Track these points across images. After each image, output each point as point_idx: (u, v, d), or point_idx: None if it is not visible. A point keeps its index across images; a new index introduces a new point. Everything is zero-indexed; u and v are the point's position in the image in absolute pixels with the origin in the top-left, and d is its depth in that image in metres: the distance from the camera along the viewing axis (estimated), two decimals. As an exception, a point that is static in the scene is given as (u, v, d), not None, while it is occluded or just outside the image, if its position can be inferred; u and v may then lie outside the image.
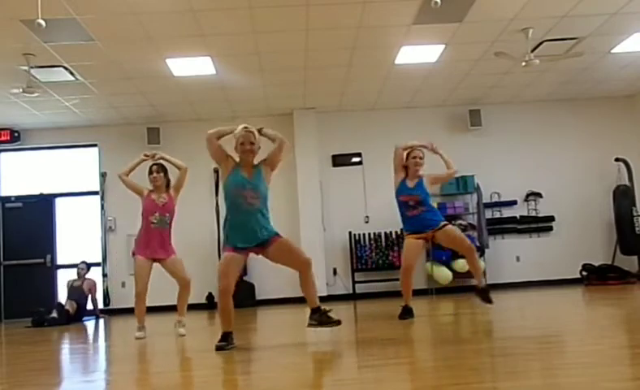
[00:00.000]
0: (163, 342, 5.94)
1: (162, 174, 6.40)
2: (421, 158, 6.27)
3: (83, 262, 9.80)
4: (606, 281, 9.70)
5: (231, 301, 4.80)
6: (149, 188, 6.45)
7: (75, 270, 9.76)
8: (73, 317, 9.08)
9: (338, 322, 4.87)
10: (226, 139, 5.06)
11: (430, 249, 10.35)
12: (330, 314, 4.86)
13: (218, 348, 4.71)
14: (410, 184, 6.22)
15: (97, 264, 10.47)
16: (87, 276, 9.73)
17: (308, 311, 4.97)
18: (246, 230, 4.90)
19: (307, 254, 5.06)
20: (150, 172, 6.42)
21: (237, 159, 5.08)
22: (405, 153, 6.31)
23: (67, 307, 9.12)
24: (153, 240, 6.21)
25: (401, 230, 10.28)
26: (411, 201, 6.17)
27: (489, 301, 6.33)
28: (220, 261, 4.98)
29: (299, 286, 5.02)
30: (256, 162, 5.11)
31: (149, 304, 6.32)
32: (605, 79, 9.90)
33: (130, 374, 4.30)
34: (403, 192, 6.22)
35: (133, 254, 6.31)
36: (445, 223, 6.27)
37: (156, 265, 6.26)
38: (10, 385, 3.92)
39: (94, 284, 9.77)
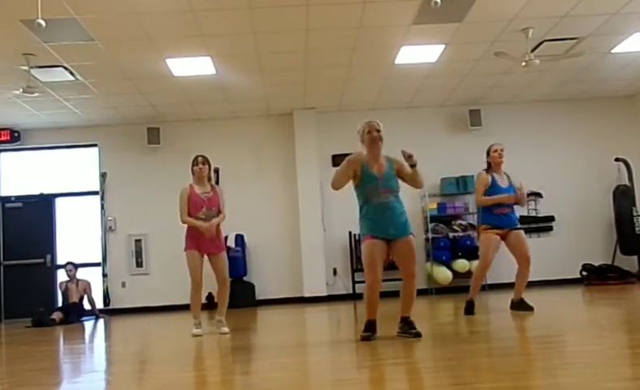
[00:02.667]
0: (163, 342, 5.94)
1: (206, 166, 6.22)
2: (502, 150, 6.29)
3: (69, 263, 9.77)
4: (606, 281, 9.70)
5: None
6: (190, 183, 6.25)
7: (75, 269, 9.77)
8: (66, 320, 9.08)
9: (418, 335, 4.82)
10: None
11: (430, 249, 10.39)
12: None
13: (364, 338, 4.75)
14: (501, 182, 6.23)
15: (97, 264, 10.48)
16: (78, 277, 9.73)
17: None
18: (381, 222, 4.83)
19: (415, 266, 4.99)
20: (195, 163, 6.20)
21: (364, 157, 4.93)
22: (487, 151, 6.33)
23: (54, 316, 9.07)
24: (204, 235, 6.06)
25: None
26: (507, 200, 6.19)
27: (529, 308, 6.20)
28: (363, 253, 4.89)
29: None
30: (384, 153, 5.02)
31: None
32: (605, 79, 9.90)
33: (130, 374, 4.30)
34: (498, 192, 6.18)
35: (185, 250, 6.16)
36: (520, 226, 6.34)
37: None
38: (10, 385, 3.92)
39: (89, 284, 9.78)
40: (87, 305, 9.69)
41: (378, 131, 5.00)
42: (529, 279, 6.28)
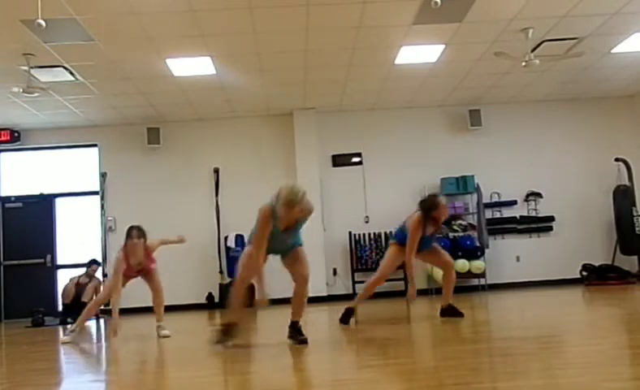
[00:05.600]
0: (163, 342, 5.93)
1: (142, 240, 6.12)
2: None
3: (95, 262, 9.77)
4: (606, 281, 9.70)
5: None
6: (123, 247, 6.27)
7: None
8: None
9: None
10: None
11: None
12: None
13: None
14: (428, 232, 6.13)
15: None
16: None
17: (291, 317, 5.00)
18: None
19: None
20: (130, 236, 6.12)
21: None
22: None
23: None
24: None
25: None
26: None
27: (459, 314, 6.20)
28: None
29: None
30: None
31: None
32: (605, 79, 9.90)
33: (130, 374, 4.30)
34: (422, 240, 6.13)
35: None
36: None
37: None
38: (10, 385, 3.91)
39: (99, 283, 9.79)
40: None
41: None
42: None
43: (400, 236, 6.14)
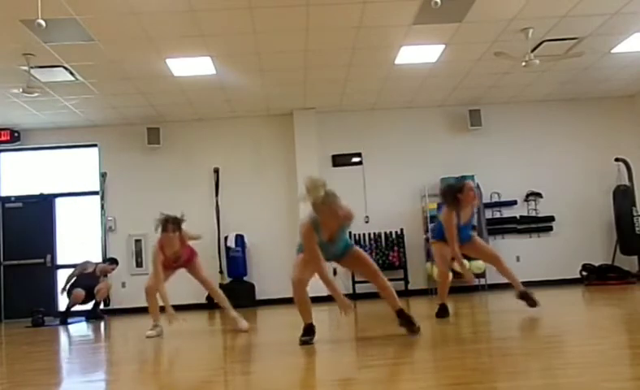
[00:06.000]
0: (163, 342, 5.93)
1: (177, 233, 6.18)
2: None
3: (115, 262, 9.83)
4: (606, 281, 9.70)
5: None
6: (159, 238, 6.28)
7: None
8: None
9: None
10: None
11: (430, 249, 10.38)
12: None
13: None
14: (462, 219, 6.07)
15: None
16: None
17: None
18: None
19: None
20: (165, 229, 6.13)
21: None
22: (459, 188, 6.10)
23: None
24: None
25: (401, 230, 10.40)
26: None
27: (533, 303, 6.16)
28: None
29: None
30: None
31: (147, 304, 6.35)
32: (605, 79, 9.90)
33: (130, 374, 4.30)
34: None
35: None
36: (472, 234, 6.31)
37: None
38: (10, 385, 3.91)
39: (110, 286, 9.81)
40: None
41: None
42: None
43: (439, 232, 6.14)
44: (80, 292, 9.25)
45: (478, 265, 10.02)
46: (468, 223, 6.15)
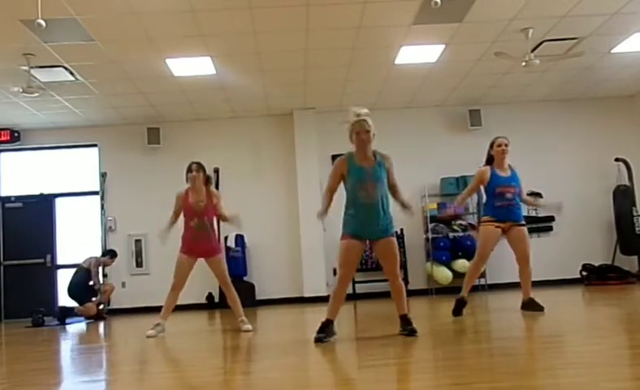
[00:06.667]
0: (163, 342, 5.93)
1: (201, 173, 6.12)
2: (506, 145, 6.10)
3: (114, 254, 9.77)
4: (606, 281, 9.70)
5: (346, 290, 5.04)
6: (187, 188, 6.18)
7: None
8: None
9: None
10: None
11: (430, 249, 10.38)
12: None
13: (317, 340, 4.76)
14: (502, 173, 6.10)
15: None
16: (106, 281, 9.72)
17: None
18: (365, 223, 4.98)
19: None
20: (190, 170, 6.09)
21: (351, 154, 5.01)
22: (490, 144, 6.22)
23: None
24: (198, 239, 6.10)
25: (401, 230, 10.38)
26: (508, 193, 6.06)
27: (539, 308, 6.02)
28: (341, 250, 5.11)
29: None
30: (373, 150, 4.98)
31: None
32: (605, 79, 9.90)
33: (130, 374, 4.30)
34: (499, 183, 6.06)
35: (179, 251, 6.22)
36: (524, 222, 6.24)
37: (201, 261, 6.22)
38: (10, 385, 3.91)
39: (112, 289, 9.81)
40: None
41: (368, 132, 4.91)
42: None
43: (489, 207, 6.21)
44: (92, 306, 9.26)
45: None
46: (511, 177, 6.12)
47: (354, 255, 4.95)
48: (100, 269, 9.63)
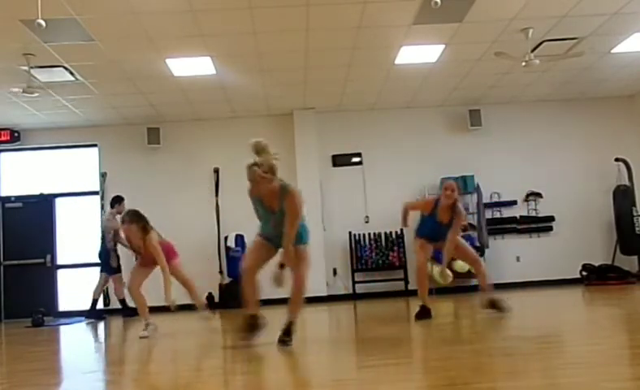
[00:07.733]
0: (163, 342, 5.94)
1: (133, 225, 6.17)
2: (453, 190, 5.90)
3: (120, 199, 9.42)
4: (606, 281, 9.70)
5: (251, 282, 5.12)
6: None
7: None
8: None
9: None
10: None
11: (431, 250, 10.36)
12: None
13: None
14: (441, 218, 6.01)
15: (97, 264, 10.45)
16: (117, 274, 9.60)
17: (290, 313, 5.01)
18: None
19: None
20: (122, 221, 6.23)
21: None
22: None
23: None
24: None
25: (401, 230, 10.38)
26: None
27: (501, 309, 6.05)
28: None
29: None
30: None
31: (147, 304, 6.34)
32: (605, 79, 9.90)
33: (130, 374, 4.30)
34: (430, 224, 6.12)
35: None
36: None
37: None
38: (10, 385, 3.91)
39: (123, 282, 9.77)
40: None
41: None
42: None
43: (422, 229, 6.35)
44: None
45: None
46: (446, 224, 6.00)
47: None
48: (113, 224, 9.23)
